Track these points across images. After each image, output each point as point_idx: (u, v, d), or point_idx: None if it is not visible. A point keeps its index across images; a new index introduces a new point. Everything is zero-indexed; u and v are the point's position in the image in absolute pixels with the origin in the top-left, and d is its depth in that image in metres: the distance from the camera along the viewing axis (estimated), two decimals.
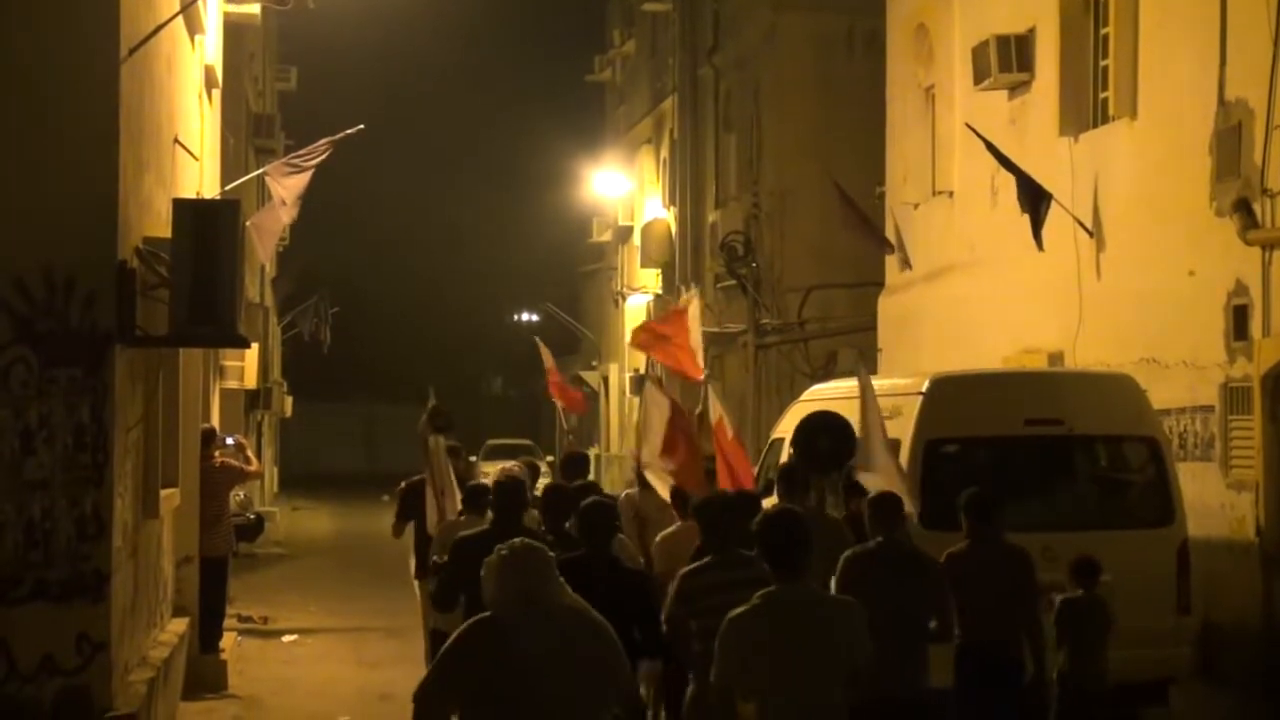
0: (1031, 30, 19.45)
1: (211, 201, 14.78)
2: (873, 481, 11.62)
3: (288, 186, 16.21)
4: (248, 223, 15.12)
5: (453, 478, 13.94)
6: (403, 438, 15.99)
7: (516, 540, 6.97)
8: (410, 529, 15.27)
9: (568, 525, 10.28)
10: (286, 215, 16.48)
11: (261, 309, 31.39)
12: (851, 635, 7.47)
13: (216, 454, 17.31)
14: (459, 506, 13.30)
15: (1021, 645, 10.80)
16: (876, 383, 12.96)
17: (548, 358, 22.52)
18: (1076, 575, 11.59)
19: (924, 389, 13.53)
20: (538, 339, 21.84)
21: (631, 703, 6.98)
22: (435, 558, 11.84)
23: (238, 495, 24.61)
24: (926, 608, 9.58)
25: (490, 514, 10.92)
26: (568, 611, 6.79)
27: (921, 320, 22.64)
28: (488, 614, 6.78)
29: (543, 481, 17.01)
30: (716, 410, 13.71)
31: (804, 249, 29.71)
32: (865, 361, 25.89)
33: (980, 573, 10.68)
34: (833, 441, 11.85)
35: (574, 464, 14.65)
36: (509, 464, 16.26)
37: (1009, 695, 10.71)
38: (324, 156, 16.27)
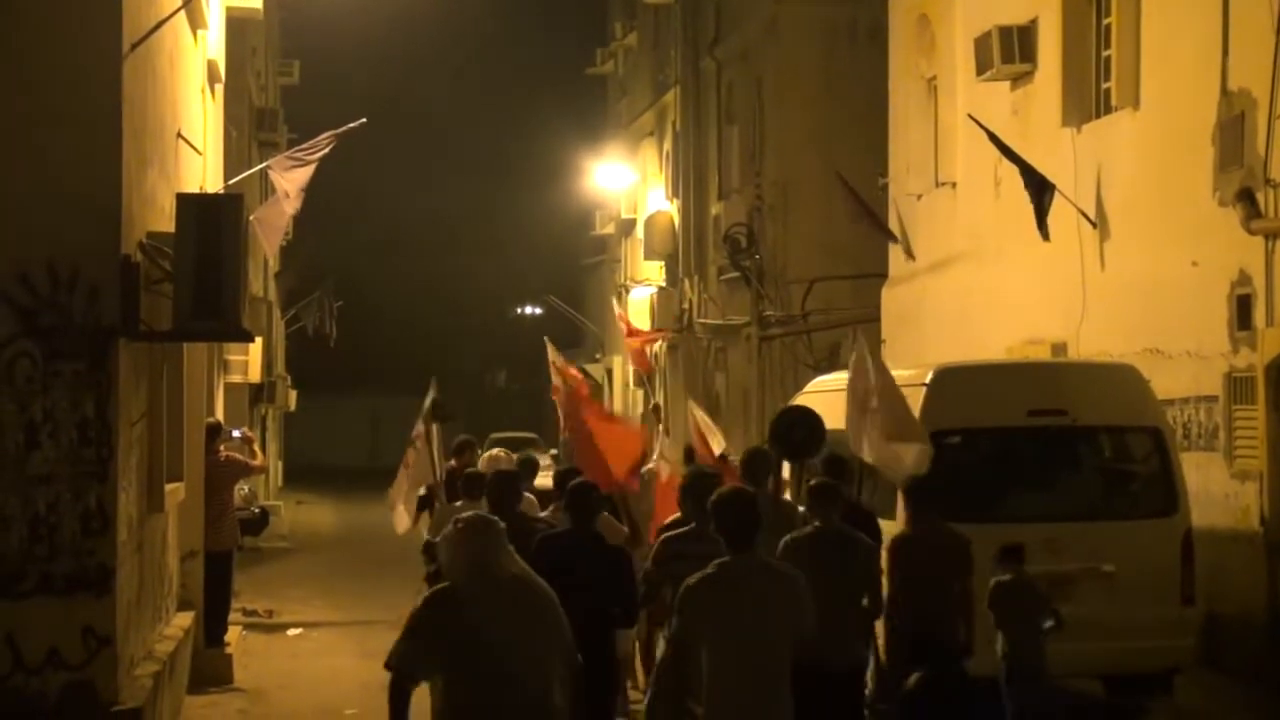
0: (1034, 21, 19.44)
1: (215, 196, 14.79)
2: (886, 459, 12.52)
3: (291, 179, 16.22)
4: (251, 217, 15.15)
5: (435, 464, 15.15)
6: (407, 431, 16.21)
7: (471, 513, 7.70)
8: (424, 518, 15.63)
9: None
10: (290, 207, 16.48)
11: (265, 303, 31.44)
12: (795, 603, 8.22)
13: (221, 448, 17.33)
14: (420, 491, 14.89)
15: (954, 623, 11.30)
16: None
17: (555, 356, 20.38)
18: (1003, 562, 11.75)
19: (927, 380, 13.54)
20: (547, 339, 20.55)
21: (570, 663, 7.53)
22: (429, 538, 12.13)
23: (242, 489, 24.62)
24: (859, 585, 10.44)
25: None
26: (514, 580, 7.44)
27: (925, 311, 22.64)
28: (446, 584, 7.44)
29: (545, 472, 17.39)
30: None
31: (807, 241, 29.72)
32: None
33: (920, 555, 11.34)
34: (807, 432, 12.82)
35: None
36: (494, 451, 16.91)
37: (940, 668, 11.20)
38: (327, 150, 16.27)
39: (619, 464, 13.84)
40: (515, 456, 16.68)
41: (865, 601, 10.51)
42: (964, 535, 11.49)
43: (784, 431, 12.93)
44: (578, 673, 7.60)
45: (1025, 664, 11.59)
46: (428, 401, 15.54)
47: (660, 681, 9.32)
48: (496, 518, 7.78)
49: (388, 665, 7.44)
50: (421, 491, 15.75)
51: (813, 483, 11.16)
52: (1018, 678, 11.59)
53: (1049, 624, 11.59)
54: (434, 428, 15.38)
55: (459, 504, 12.97)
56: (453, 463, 16.70)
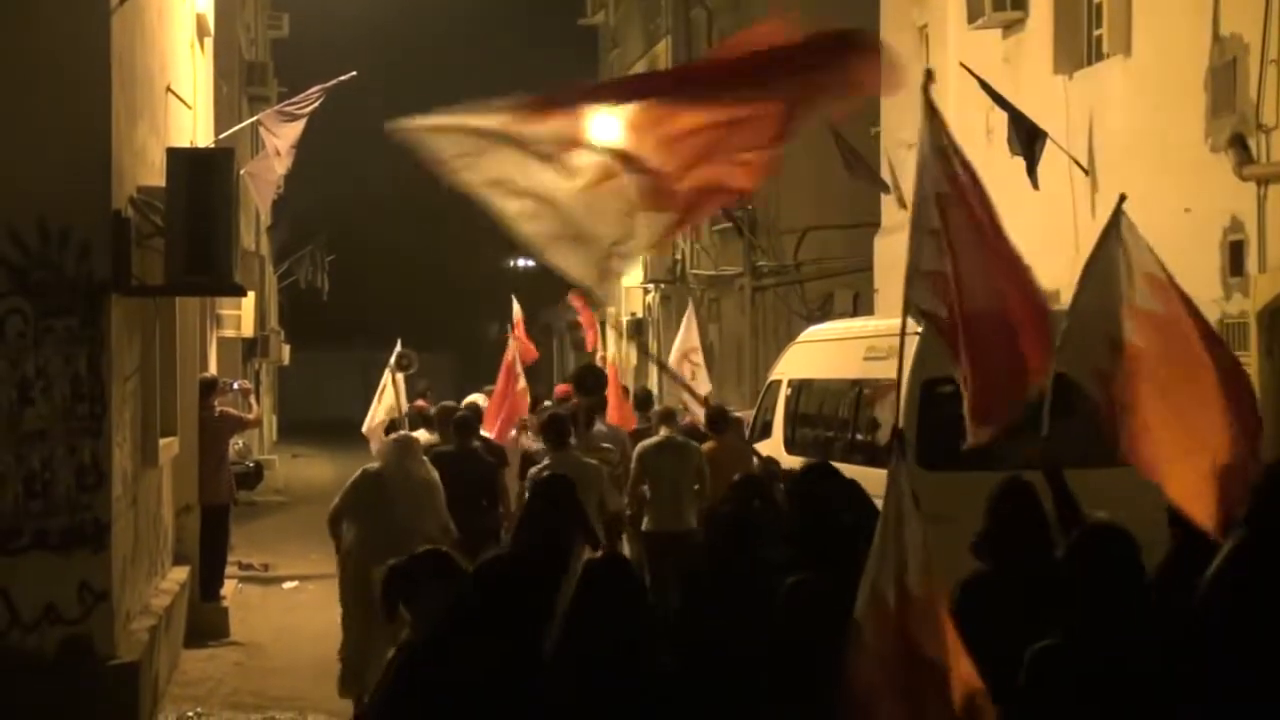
0: None
1: (206, 150, 14.76)
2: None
3: (282, 136, 16.20)
4: (243, 171, 15.16)
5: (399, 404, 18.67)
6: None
7: (405, 433, 13.37)
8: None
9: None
10: (280, 166, 16.47)
11: (257, 257, 31.37)
12: (596, 481, 12.64)
13: (215, 404, 17.34)
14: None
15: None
16: (873, 323, 13.09)
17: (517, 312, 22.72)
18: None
19: (921, 329, 13.52)
20: (513, 296, 22.75)
21: (446, 534, 11.79)
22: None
23: (236, 443, 24.65)
24: (692, 477, 14.62)
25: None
26: (420, 478, 12.46)
27: None
28: (376, 466, 12.65)
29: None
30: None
31: (800, 190, 29.63)
32: (862, 302, 25.94)
33: (718, 460, 14.44)
34: (595, 380, 17.31)
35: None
36: (473, 397, 18.91)
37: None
38: (317, 104, 16.26)
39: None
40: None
41: (696, 487, 14.52)
42: (751, 447, 15.37)
43: (579, 380, 17.64)
44: (448, 534, 11.72)
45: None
46: (393, 356, 19.43)
47: None
48: (416, 439, 13.41)
49: (330, 519, 12.42)
50: (382, 417, 19.27)
51: (657, 408, 16.54)
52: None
53: None
54: (398, 376, 19.25)
55: (419, 433, 15.20)
56: (419, 402, 20.73)
